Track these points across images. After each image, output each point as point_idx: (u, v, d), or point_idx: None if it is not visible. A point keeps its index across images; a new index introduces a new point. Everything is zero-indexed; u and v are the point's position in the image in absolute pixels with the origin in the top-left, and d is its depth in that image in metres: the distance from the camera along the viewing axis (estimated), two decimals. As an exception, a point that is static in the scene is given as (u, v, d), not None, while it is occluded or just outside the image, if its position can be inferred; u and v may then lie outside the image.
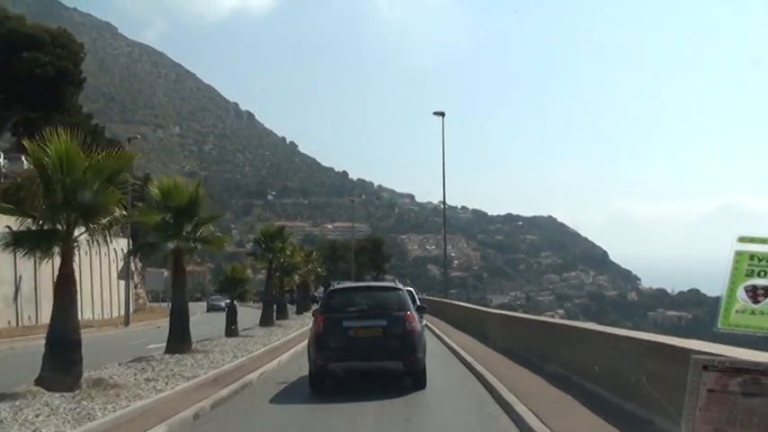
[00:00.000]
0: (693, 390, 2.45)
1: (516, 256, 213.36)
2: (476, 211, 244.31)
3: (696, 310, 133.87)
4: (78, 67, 62.63)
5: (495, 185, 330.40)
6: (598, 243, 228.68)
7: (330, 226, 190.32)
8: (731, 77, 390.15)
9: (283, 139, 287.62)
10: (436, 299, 48.51)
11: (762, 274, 2.51)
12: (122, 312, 52.87)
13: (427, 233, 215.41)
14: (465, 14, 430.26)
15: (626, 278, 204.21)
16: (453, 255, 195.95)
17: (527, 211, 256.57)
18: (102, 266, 52.15)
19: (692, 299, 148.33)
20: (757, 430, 2.37)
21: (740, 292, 2.52)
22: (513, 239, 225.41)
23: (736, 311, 2.52)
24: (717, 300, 2.60)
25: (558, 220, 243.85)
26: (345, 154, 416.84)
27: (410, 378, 13.71)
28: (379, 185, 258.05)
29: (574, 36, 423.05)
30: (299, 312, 51.47)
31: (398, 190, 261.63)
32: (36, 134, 12.99)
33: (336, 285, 15.44)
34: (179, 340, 20.16)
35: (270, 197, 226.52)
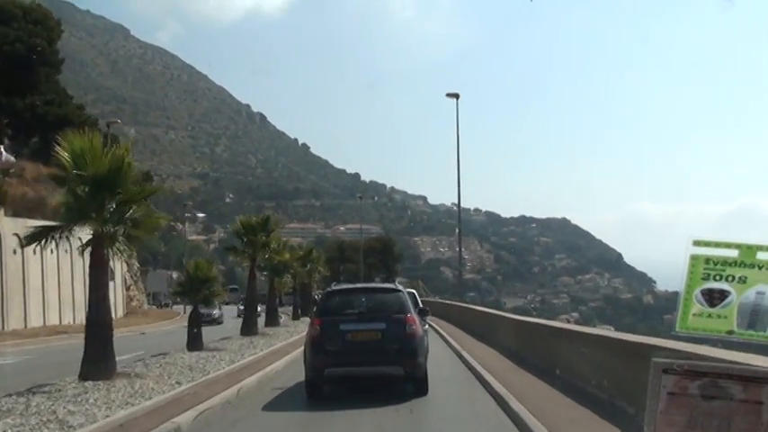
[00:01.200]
0: (654, 393, 2.47)
1: (530, 259, 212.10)
2: (489, 213, 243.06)
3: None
4: (54, 45, 57.60)
5: (508, 187, 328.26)
6: (612, 245, 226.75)
7: (342, 228, 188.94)
8: (747, 77, 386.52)
9: (295, 140, 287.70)
10: (450, 302, 46.23)
11: (717, 277, 2.52)
12: (122, 313, 50.50)
13: (440, 235, 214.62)
14: (478, 15, 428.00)
15: (641, 281, 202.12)
16: (467, 257, 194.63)
17: (540, 213, 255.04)
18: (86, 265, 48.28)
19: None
20: None
21: (696, 296, 2.52)
22: (526, 242, 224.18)
23: (694, 315, 2.53)
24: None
25: (572, 222, 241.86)
26: (358, 155, 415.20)
27: (411, 384, 13.19)
28: (392, 187, 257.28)
29: (582, 39, 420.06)
30: (295, 317, 45.85)
31: (411, 191, 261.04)
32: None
33: (334, 286, 15.04)
34: (96, 362, 14.82)
35: (282, 199, 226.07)
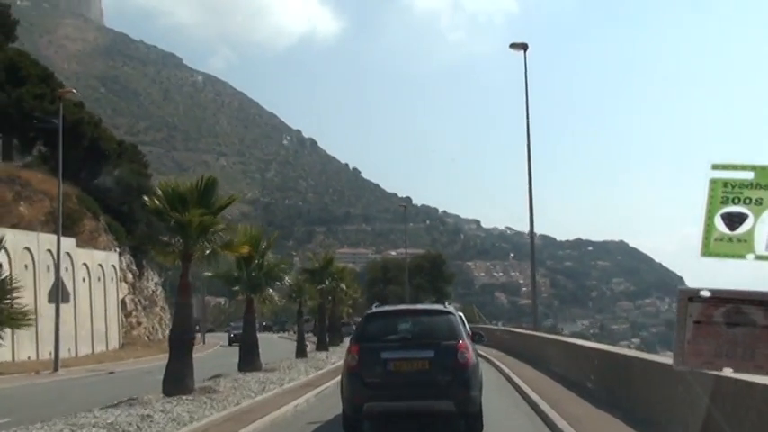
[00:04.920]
0: (681, 322, 2.52)
1: (587, 283, 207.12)
2: (544, 237, 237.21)
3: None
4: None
5: (563, 210, 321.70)
6: (672, 269, 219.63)
7: (394, 252, 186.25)
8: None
9: (346, 165, 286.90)
10: (520, 330, 37.24)
11: (736, 200, 2.56)
12: (117, 344, 46.03)
13: (494, 259, 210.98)
14: (527, 37, 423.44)
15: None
16: (521, 281, 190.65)
17: (597, 236, 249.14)
18: (93, 289, 43.38)
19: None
20: (741, 360, 2.46)
21: (717, 221, 2.55)
22: (583, 265, 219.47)
23: (716, 240, 2.55)
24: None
25: (630, 244, 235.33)
26: (408, 180, 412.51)
27: (463, 420, 11.55)
28: (444, 211, 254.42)
29: (642, 55, 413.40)
30: (319, 349, 38.02)
31: (464, 215, 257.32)
32: None
33: (375, 308, 13.15)
34: None
35: (332, 224, 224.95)
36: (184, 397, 15.46)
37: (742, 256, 2.53)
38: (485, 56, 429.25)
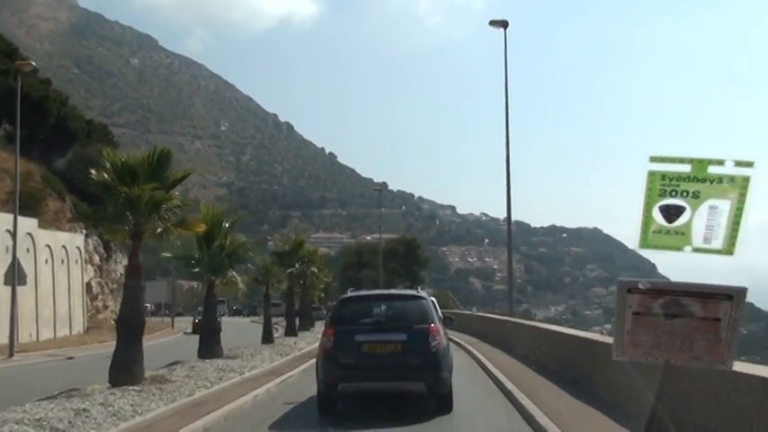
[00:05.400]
0: (620, 313, 2.53)
1: (561, 269, 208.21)
2: (519, 223, 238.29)
3: (750, 325, 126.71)
4: None
5: (538, 196, 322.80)
6: (645, 256, 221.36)
7: (369, 237, 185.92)
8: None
9: (322, 149, 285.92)
10: (494, 316, 36.08)
11: (673, 193, 2.55)
12: (82, 328, 45.04)
13: (469, 245, 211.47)
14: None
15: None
16: (495, 267, 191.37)
17: (571, 223, 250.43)
18: (56, 272, 42.03)
19: (746, 313, 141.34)
20: (679, 351, 2.47)
21: (656, 213, 2.55)
22: (557, 252, 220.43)
23: (654, 232, 2.55)
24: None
25: (604, 231, 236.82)
26: (384, 165, 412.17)
27: (434, 401, 12.11)
28: (420, 197, 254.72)
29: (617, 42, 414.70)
30: (288, 334, 36.97)
31: (439, 201, 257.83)
32: None
33: (350, 293, 13.70)
34: None
35: (308, 209, 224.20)
36: (131, 387, 14.34)
37: (680, 249, 2.55)
38: (463, 40, 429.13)
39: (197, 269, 24.48)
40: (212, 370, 18.59)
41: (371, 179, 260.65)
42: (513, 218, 32.72)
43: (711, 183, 2.51)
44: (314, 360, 19.55)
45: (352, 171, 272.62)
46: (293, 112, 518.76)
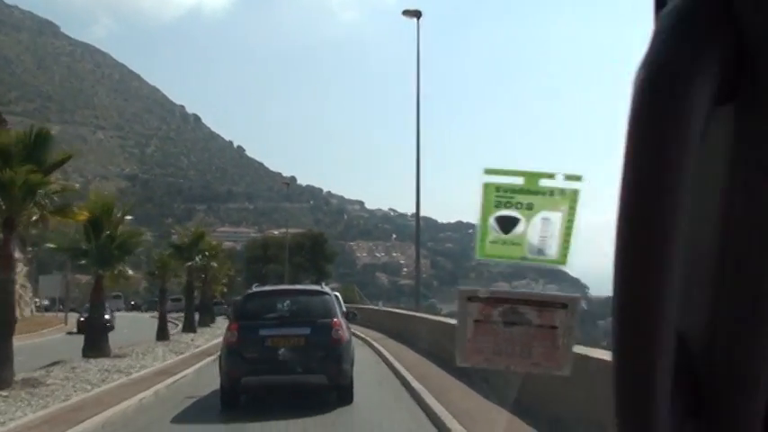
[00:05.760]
0: (462, 321, 2.06)
1: (466, 264, 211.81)
2: (426, 219, 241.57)
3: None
4: None
5: (445, 192, 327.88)
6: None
7: (276, 232, 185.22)
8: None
9: (230, 142, 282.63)
10: (400, 311, 35.71)
11: (507, 204, 2.06)
12: None
13: (377, 240, 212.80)
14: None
15: (575, 286, 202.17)
16: (402, 262, 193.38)
17: (478, 219, 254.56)
18: None
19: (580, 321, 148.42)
20: (520, 358, 2.07)
21: (491, 224, 2.02)
22: (463, 247, 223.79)
23: (491, 242, 2.05)
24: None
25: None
26: (294, 159, 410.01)
27: (335, 392, 12.42)
28: (329, 191, 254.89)
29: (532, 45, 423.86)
30: (186, 330, 35.60)
31: (348, 196, 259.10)
32: None
33: (255, 288, 14.32)
34: None
35: (214, 202, 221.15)
36: None
37: (514, 259, 2.46)
38: (376, 34, 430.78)
39: (83, 261, 23.00)
40: (96, 371, 17.40)
41: (280, 173, 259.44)
42: (421, 213, 32.72)
43: (544, 195, 2.58)
44: (211, 358, 19.62)
45: (261, 165, 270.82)
46: (201, 104, 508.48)
